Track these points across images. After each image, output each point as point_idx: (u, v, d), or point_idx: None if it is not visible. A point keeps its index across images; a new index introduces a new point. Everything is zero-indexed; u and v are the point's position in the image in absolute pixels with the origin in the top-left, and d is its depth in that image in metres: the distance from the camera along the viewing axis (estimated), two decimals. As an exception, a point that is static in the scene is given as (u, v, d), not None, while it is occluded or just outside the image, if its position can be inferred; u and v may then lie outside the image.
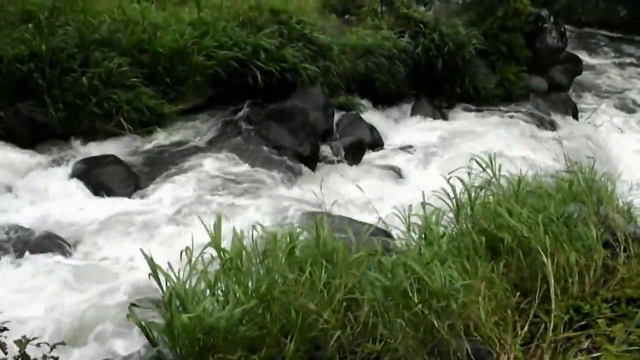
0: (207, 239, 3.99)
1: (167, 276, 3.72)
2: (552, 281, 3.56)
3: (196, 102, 9.92)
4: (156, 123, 9.15)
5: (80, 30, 9.14)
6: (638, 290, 3.67)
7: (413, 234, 4.10)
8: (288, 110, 9.40)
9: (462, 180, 4.48)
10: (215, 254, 3.96)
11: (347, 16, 13.23)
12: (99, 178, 7.85)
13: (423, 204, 4.24)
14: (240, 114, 9.83)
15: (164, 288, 3.72)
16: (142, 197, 7.69)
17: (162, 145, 8.90)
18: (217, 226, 3.99)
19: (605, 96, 15.03)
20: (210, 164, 8.33)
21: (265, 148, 8.91)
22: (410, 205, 4.36)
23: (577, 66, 15.51)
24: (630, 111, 14.17)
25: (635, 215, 4.83)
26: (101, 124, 8.79)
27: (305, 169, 8.85)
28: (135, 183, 7.95)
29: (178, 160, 8.47)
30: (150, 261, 3.76)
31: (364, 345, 3.54)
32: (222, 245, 3.99)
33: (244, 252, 3.93)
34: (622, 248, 4.04)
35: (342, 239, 4.10)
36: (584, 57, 17.07)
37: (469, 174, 4.63)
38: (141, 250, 3.97)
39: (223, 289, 3.81)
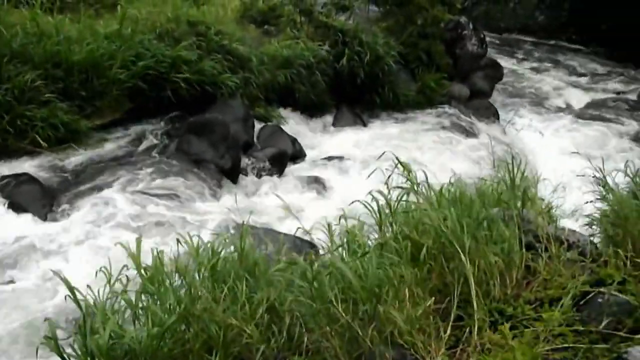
0: (127, 258, 3.90)
1: (84, 297, 3.61)
2: (472, 284, 3.58)
3: (114, 116, 9.74)
4: (72, 139, 8.93)
5: (-10, 43, 8.87)
6: (559, 290, 3.72)
7: (336, 244, 4.08)
8: (208, 122, 9.32)
9: (381, 191, 4.48)
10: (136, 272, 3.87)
11: (266, 26, 13.20)
12: (12, 198, 7.58)
13: (344, 214, 4.22)
14: (160, 127, 9.69)
15: (83, 309, 3.61)
16: (58, 216, 7.48)
17: (79, 162, 8.69)
18: (137, 244, 3.90)
19: (526, 100, 15.37)
20: (129, 180, 8.18)
21: (185, 162, 8.82)
22: (333, 215, 4.35)
23: (497, 72, 15.83)
24: (550, 114, 14.51)
25: (556, 216, 4.91)
26: (14, 142, 8.52)
27: (227, 182, 8.80)
28: (51, 202, 7.73)
29: (96, 177, 8.28)
30: (67, 282, 3.64)
31: (290, 357, 3.50)
32: (143, 263, 3.90)
33: (164, 269, 3.85)
34: (543, 249, 4.09)
35: (265, 251, 4.06)
36: (505, 62, 17.45)
37: (389, 182, 4.63)
38: (53, 271, 3.85)
39: (143, 307, 3.72)
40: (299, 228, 4.39)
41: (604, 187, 4.76)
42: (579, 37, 21.06)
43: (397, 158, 4.50)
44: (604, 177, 4.80)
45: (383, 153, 4.71)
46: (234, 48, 10.93)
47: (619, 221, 4.28)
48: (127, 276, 3.83)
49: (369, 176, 4.60)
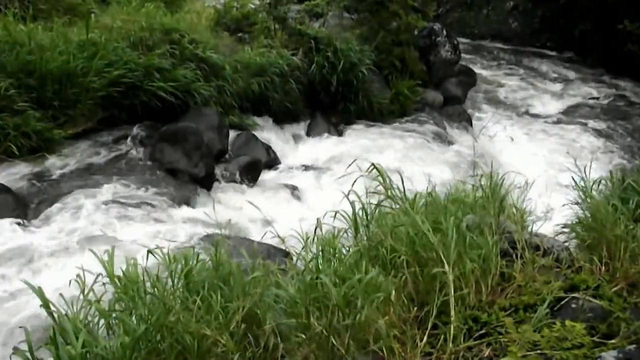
0: (101, 268, 3.87)
1: (57, 308, 3.57)
2: (452, 291, 3.58)
3: (87, 125, 9.62)
4: (45, 148, 8.80)
5: (-39, 52, 8.77)
6: (534, 297, 3.73)
7: (311, 253, 4.07)
8: (181, 131, 9.28)
9: (358, 197, 4.48)
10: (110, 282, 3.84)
11: (240, 34, 13.16)
12: (-16, 207, 7.49)
13: (319, 222, 4.21)
14: (133, 136, 9.61)
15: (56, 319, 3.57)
16: (31, 226, 7.39)
17: (52, 172, 8.58)
18: (110, 255, 3.87)
19: (499, 107, 15.44)
20: (103, 189, 8.11)
21: (159, 171, 8.78)
22: (308, 223, 4.34)
23: (471, 78, 15.93)
24: (523, 120, 14.61)
25: (531, 222, 4.93)
26: (-14, 151, 8.42)
27: (201, 191, 8.77)
28: (24, 212, 7.63)
29: (69, 186, 8.19)
30: (39, 292, 3.60)
31: (266, 367, 3.49)
32: (117, 273, 3.86)
33: (138, 279, 3.82)
34: (518, 255, 4.11)
35: (239, 260, 4.04)
36: (478, 69, 17.55)
37: (364, 189, 4.63)
38: (25, 281, 3.80)
39: (116, 317, 3.68)
40: (274, 236, 4.38)
41: (583, 192, 4.79)
42: (552, 43, 21.21)
43: (374, 164, 4.50)
44: (583, 182, 4.84)
45: (354, 161, 4.70)
46: (208, 56, 10.89)
47: (595, 226, 4.30)
48: (104, 284, 3.80)
49: (340, 177, 4.59)
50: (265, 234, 4.87)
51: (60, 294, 3.72)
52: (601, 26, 18.57)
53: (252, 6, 13.92)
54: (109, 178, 8.42)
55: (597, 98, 16.42)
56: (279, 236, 4.33)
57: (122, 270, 3.85)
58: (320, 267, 3.76)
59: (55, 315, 3.55)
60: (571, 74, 18.45)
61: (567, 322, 3.33)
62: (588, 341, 3.25)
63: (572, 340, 3.21)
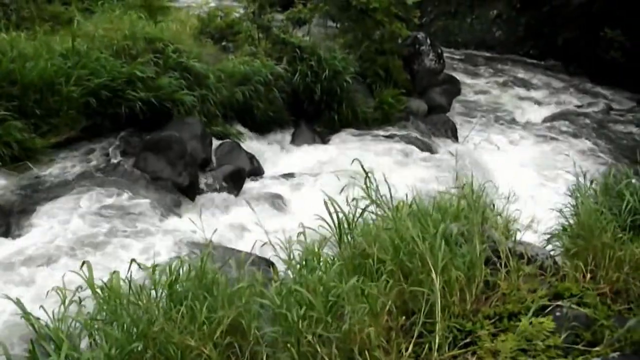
0: (82, 278, 3.83)
1: (36, 320, 3.53)
2: (438, 300, 3.57)
3: (69, 134, 9.56)
4: (27, 158, 8.75)
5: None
6: (518, 305, 3.73)
7: (295, 261, 4.04)
8: (165, 140, 9.24)
9: (339, 207, 4.46)
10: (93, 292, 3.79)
11: (224, 43, 13.15)
12: (-34, 217, 7.43)
13: (304, 231, 4.19)
14: (116, 145, 9.58)
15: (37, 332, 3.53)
16: (13, 235, 7.34)
17: (34, 181, 8.52)
18: (89, 267, 3.83)
19: (484, 115, 15.47)
20: (86, 199, 8.06)
21: (143, 180, 8.74)
22: (292, 233, 4.32)
23: (455, 87, 16.00)
24: (508, 128, 14.65)
25: (515, 230, 4.93)
26: (-33, 161, 8.36)
27: (184, 200, 8.74)
28: (7, 222, 7.57)
29: (51, 196, 8.13)
30: (19, 304, 3.56)
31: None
32: (100, 283, 3.82)
33: (121, 289, 3.78)
34: (502, 264, 4.10)
35: (223, 269, 4.01)
36: (463, 77, 17.62)
37: (348, 197, 4.62)
38: (5, 295, 3.77)
39: (99, 329, 3.64)
40: (263, 244, 4.35)
41: (569, 199, 4.80)
42: (536, 51, 21.30)
43: (363, 168, 4.49)
44: (569, 189, 4.84)
45: (340, 171, 4.68)
46: (192, 65, 10.88)
47: (582, 233, 4.30)
48: (86, 294, 3.76)
49: (324, 186, 4.57)
50: (248, 242, 4.87)
51: (42, 306, 3.67)
52: (584, 34, 18.68)
53: (236, 14, 13.93)
54: (92, 187, 8.37)
55: (581, 105, 16.51)
56: (270, 242, 4.30)
57: (104, 282, 3.81)
58: (303, 276, 3.74)
59: (36, 326, 3.52)
60: (555, 82, 18.56)
61: (534, 320, 3.35)
62: (559, 342, 3.27)
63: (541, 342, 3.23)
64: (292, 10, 14.23)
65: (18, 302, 3.56)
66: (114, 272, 3.86)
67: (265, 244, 4.31)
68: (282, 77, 12.15)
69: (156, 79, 10.16)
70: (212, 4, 14.74)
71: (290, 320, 3.35)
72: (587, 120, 15.22)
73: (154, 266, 3.92)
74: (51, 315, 3.60)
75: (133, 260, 4.01)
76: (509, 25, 22.36)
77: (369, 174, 4.45)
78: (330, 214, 4.32)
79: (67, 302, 3.66)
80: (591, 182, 4.98)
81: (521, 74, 19.33)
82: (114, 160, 9.27)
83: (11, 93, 8.94)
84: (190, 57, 11.01)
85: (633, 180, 5.00)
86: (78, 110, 9.51)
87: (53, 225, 7.47)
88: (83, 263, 3.86)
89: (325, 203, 4.35)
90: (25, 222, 7.59)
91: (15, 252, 6.90)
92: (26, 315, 3.55)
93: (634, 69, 16.85)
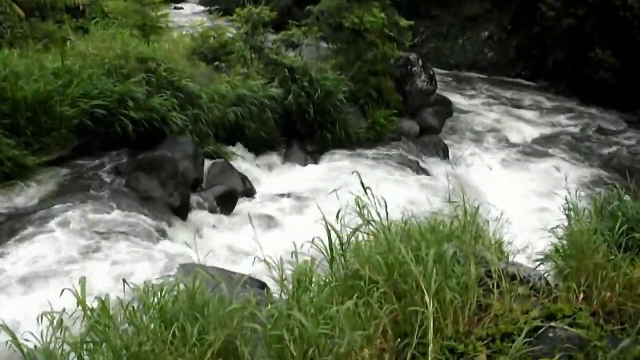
0: (73, 299, 3.79)
1: (24, 341, 3.50)
2: (431, 323, 3.55)
3: (61, 153, 9.57)
4: (19, 175, 8.77)
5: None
6: (511, 326, 3.70)
7: (287, 283, 4.02)
8: (157, 160, 9.22)
9: (332, 226, 4.44)
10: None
11: (217, 63, 13.18)
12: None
13: (295, 252, 4.17)
14: (108, 164, 9.56)
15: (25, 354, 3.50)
16: (2, 253, 7.29)
17: (25, 199, 8.53)
18: (82, 285, 3.79)
19: (475, 136, 15.49)
20: (77, 217, 8.01)
21: (134, 199, 8.70)
22: (284, 254, 4.29)
23: (447, 108, 16.03)
24: (499, 149, 14.67)
25: (507, 251, 4.92)
26: (-43, 177, 8.35)
27: (176, 220, 8.71)
28: (-4, 240, 7.55)
29: (42, 214, 8.08)
30: (6, 328, 3.53)
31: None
32: (90, 304, 3.79)
33: (112, 310, 3.75)
34: (495, 285, 4.08)
35: (215, 290, 3.98)
36: (455, 98, 17.68)
37: (340, 217, 4.60)
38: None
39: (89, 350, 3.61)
40: (254, 259, 4.32)
41: (562, 219, 4.79)
42: (527, 73, 21.45)
43: (362, 184, 4.47)
44: (561, 210, 4.83)
45: (327, 191, 4.65)
46: (184, 85, 10.89)
47: (575, 254, 4.29)
48: (76, 315, 3.72)
49: (315, 205, 4.55)
50: (240, 263, 4.84)
51: (30, 332, 3.63)
52: (574, 55, 18.81)
53: (230, 35, 13.96)
54: (83, 206, 8.32)
55: (572, 125, 16.61)
56: (265, 261, 4.27)
57: (96, 301, 3.78)
58: (296, 298, 3.72)
59: (25, 351, 3.48)
60: (546, 102, 18.67)
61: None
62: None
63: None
64: (285, 32, 14.27)
65: (5, 328, 3.53)
66: (107, 290, 3.83)
67: (257, 262, 4.28)
68: (274, 98, 12.16)
69: (148, 99, 10.14)
70: (207, 24, 14.74)
71: (283, 343, 3.33)
72: (578, 140, 15.30)
73: (145, 286, 3.90)
74: (40, 337, 3.57)
75: (124, 280, 3.99)
76: (500, 46, 22.52)
77: (365, 191, 4.42)
78: (324, 233, 4.31)
79: (55, 323, 3.62)
80: (580, 201, 4.98)
81: (512, 94, 19.44)
82: (106, 180, 9.25)
83: (2, 111, 8.95)
84: (183, 77, 11.02)
85: (626, 199, 5.00)
86: (70, 129, 9.51)
87: (43, 244, 7.42)
88: (80, 280, 3.81)
89: (317, 223, 4.34)
90: (15, 239, 7.54)
91: (4, 269, 6.87)
92: (14, 340, 3.51)
93: (624, 89, 16.97)
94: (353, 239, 4.34)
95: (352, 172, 4.61)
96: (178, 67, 11.31)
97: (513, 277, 4.23)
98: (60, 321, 3.61)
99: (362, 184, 4.43)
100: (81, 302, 3.72)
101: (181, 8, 35.81)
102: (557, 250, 4.66)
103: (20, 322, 3.68)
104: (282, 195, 10.41)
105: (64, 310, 3.70)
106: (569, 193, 4.88)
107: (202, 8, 36.46)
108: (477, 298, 3.96)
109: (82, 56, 10.48)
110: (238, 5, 14.41)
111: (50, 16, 14.24)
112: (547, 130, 16.17)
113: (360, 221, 4.43)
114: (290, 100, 12.34)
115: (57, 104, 9.31)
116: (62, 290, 3.83)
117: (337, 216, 4.32)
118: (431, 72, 15.40)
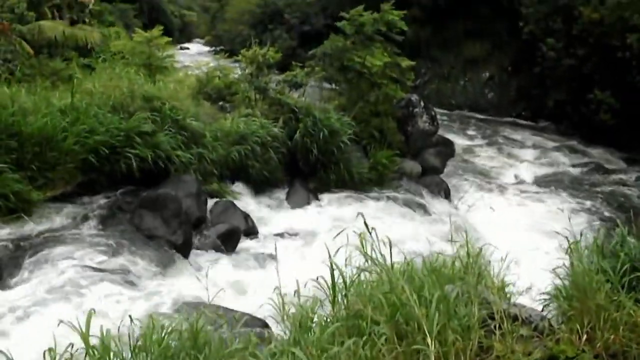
0: (76, 335, 3.79)
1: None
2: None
3: (66, 188, 9.62)
4: (23, 210, 8.79)
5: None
6: (512, 368, 3.70)
7: (289, 323, 4.02)
8: (161, 198, 9.27)
9: (336, 266, 4.45)
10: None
11: (221, 103, 13.28)
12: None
13: (298, 292, 4.17)
14: (112, 201, 9.60)
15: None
16: (5, 288, 7.30)
17: (28, 233, 8.52)
18: (87, 321, 3.79)
19: (477, 176, 15.49)
20: (81, 253, 8.04)
21: (137, 237, 8.74)
22: (286, 293, 4.29)
23: (449, 148, 16.09)
24: (501, 189, 14.66)
25: (510, 292, 4.91)
26: (-37, 211, 8.37)
27: (179, 258, 8.71)
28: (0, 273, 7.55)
29: (45, 249, 8.11)
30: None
31: None
32: (93, 341, 3.79)
33: (115, 347, 3.74)
34: (497, 326, 4.07)
35: (217, 329, 3.98)
36: (456, 139, 17.77)
37: (343, 258, 4.60)
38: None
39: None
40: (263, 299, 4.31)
41: (564, 260, 4.78)
42: (528, 113, 21.59)
43: (366, 224, 4.47)
44: (569, 248, 4.82)
45: (339, 233, 4.63)
46: (188, 123, 10.96)
47: (577, 294, 4.28)
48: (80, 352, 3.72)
49: (318, 246, 4.56)
50: (243, 302, 4.82)
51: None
52: (574, 95, 18.93)
53: (235, 75, 14.07)
54: (86, 243, 8.36)
55: (573, 165, 16.66)
56: (266, 301, 4.26)
57: (99, 338, 3.78)
58: (298, 337, 3.71)
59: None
60: (547, 142, 18.75)
61: None
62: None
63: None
64: (289, 72, 14.36)
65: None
66: (110, 328, 3.83)
67: (259, 301, 4.28)
68: (277, 138, 12.23)
69: (153, 137, 10.20)
70: (212, 64, 14.88)
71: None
72: (579, 180, 15.33)
73: (147, 324, 3.89)
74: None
75: (130, 317, 3.99)
76: (501, 87, 22.68)
77: (369, 232, 4.42)
78: (326, 272, 4.31)
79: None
80: (580, 240, 4.97)
81: (514, 135, 19.52)
82: (110, 217, 9.27)
83: (9, 146, 9.01)
84: (188, 116, 11.10)
85: (629, 239, 4.99)
86: (75, 165, 9.56)
87: (45, 279, 7.43)
88: (88, 315, 3.80)
89: (319, 263, 4.35)
90: (18, 275, 7.57)
91: (6, 304, 6.86)
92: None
93: (624, 129, 17.05)
94: (355, 277, 4.34)
95: (357, 215, 4.61)
96: (183, 106, 11.40)
97: (515, 318, 4.22)
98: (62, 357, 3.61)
99: (365, 224, 4.43)
100: (84, 337, 3.72)
101: (187, 48, 36.19)
102: (559, 291, 4.65)
103: (25, 357, 3.67)
104: (284, 234, 10.43)
105: (70, 345, 3.70)
106: (570, 232, 4.88)
107: (207, 48, 36.82)
108: (479, 339, 3.95)
109: (89, 93, 10.57)
110: (243, 46, 14.55)
111: (58, 54, 14.41)
112: (549, 170, 16.20)
113: (362, 260, 4.44)
114: (296, 140, 12.39)
115: (63, 140, 9.38)
116: (59, 323, 3.83)
117: (335, 254, 4.34)
118: (433, 113, 15.48)
